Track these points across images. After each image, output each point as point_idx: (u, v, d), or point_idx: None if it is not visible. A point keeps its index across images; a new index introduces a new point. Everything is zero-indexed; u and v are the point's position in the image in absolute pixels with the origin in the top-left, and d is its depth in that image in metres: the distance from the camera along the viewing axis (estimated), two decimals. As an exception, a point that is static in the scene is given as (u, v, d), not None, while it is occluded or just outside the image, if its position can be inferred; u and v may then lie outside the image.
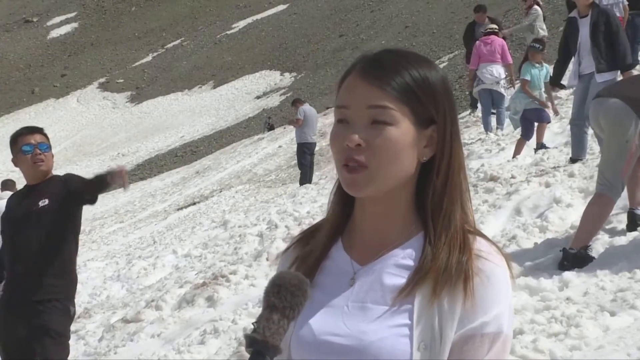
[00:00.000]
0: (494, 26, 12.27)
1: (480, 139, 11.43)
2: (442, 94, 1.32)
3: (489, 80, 11.60)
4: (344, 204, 1.39)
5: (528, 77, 9.57)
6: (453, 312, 1.26)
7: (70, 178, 4.48)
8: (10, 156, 4.53)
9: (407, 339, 1.26)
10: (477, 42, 11.83)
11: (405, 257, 1.32)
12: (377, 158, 1.28)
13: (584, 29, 7.56)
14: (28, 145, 4.37)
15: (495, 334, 1.27)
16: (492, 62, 11.59)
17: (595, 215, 5.05)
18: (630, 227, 5.42)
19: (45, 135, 4.49)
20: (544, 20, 14.20)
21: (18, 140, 4.42)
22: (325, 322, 1.32)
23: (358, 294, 1.33)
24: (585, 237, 5.05)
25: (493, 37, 11.75)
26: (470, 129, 12.74)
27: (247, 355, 1.16)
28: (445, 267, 1.28)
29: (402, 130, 1.28)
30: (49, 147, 4.45)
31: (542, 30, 13.34)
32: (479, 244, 1.31)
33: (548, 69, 9.88)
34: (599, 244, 5.30)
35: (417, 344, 1.26)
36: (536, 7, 13.41)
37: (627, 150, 4.98)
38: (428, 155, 1.32)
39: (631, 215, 5.41)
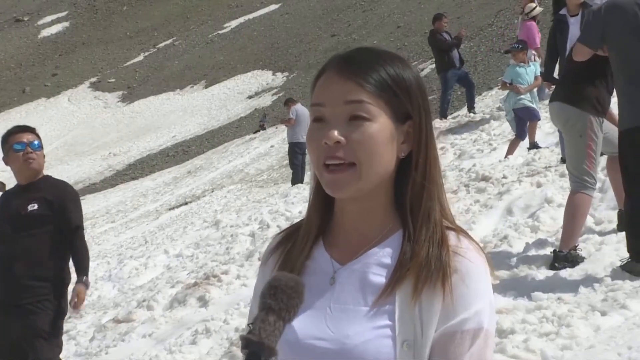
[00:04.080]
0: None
1: (472, 139, 11.46)
2: (416, 89, 1.33)
3: None
4: (324, 203, 1.38)
5: (507, 80, 9.81)
6: (433, 310, 1.26)
7: (65, 207, 4.39)
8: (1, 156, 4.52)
9: (390, 339, 1.26)
10: None
11: (384, 255, 1.32)
12: (358, 154, 1.27)
13: (574, 27, 7.60)
14: (19, 143, 4.35)
15: (476, 330, 1.27)
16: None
17: (574, 215, 5.07)
18: (621, 227, 5.43)
19: (37, 135, 4.47)
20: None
21: (9, 138, 4.40)
22: (309, 325, 1.32)
23: (339, 295, 1.32)
24: (570, 238, 5.07)
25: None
26: (464, 129, 12.77)
27: (240, 356, 1.16)
28: (424, 264, 1.28)
29: (381, 125, 1.28)
30: (41, 146, 4.44)
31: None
32: (457, 241, 1.31)
33: (536, 66, 10.01)
34: (590, 244, 5.32)
35: (400, 344, 1.26)
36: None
37: (584, 144, 5.03)
38: (406, 151, 1.32)
39: (621, 215, 5.43)
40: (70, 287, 4.51)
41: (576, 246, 5.11)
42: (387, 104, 1.29)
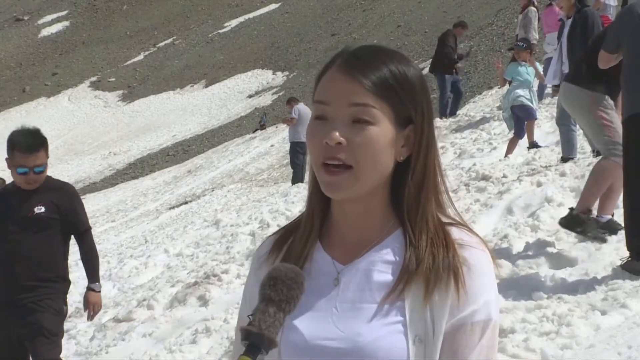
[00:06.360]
0: None
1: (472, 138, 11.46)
2: (420, 92, 1.32)
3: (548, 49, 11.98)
4: (322, 204, 1.37)
5: (508, 78, 9.81)
6: (444, 304, 1.27)
7: (75, 211, 4.39)
8: (3, 154, 4.43)
9: (402, 335, 1.27)
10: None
11: (388, 253, 1.33)
12: (358, 157, 1.26)
13: (567, 30, 7.78)
14: (23, 167, 4.22)
15: (485, 322, 1.29)
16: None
17: (597, 178, 5.12)
18: (564, 222, 5.34)
19: (46, 148, 4.30)
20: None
21: (15, 154, 4.23)
22: (316, 326, 1.31)
23: (345, 294, 1.32)
24: (587, 199, 5.15)
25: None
26: (464, 128, 12.76)
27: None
28: (432, 266, 1.28)
29: (383, 129, 1.28)
30: (45, 167, 4.29)
31: (535, 33, 13.32)
32: (460, 234, 1.32)
33: (537, 66, 10.05)
34: (590, 244, 5.32)
35: (412, 339, 1.27)
36: (532, 8, 13.38)
37: (595, 118, 5.11)
38: (404, 155, 1.32)
39: (572, 213, 5.38)
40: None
41: (590, 210, 5.15)
42: (391, 108, 1.29)
